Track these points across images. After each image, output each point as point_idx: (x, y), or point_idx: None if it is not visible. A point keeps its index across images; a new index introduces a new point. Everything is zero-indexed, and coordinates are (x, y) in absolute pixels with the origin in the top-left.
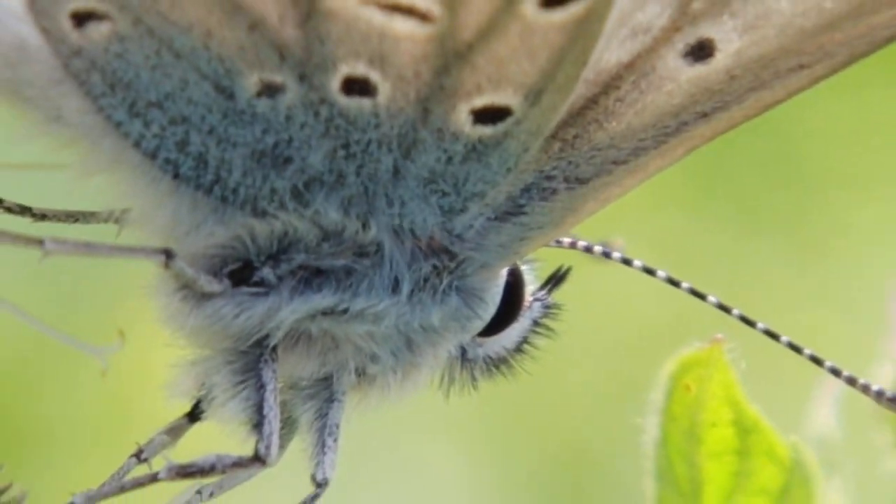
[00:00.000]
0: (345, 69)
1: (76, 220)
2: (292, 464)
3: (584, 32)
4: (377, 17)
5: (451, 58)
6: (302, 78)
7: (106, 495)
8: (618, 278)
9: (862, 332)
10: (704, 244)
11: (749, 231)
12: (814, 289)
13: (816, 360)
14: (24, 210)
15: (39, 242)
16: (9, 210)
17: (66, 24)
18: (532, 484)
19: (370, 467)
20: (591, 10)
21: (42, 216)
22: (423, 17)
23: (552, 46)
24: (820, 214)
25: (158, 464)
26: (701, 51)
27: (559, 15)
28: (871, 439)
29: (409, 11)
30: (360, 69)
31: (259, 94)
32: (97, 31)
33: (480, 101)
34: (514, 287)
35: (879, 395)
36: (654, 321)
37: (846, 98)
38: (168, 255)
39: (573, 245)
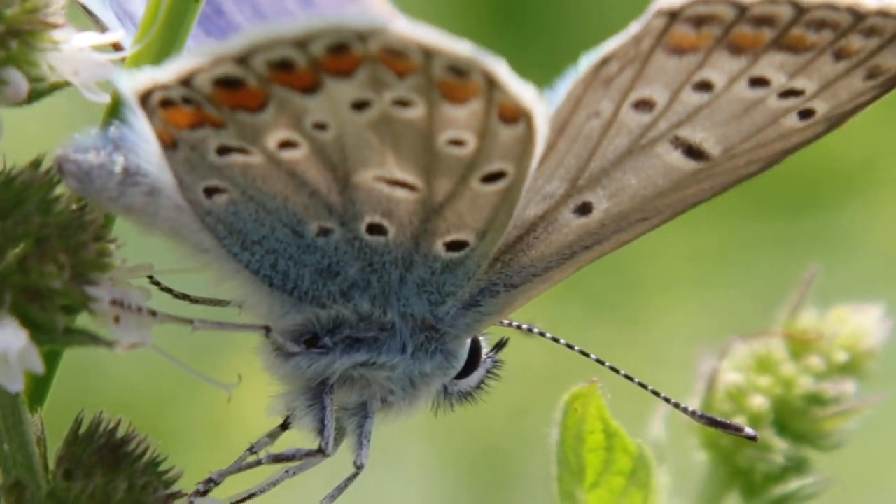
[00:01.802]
0: (368, 219)
1: (216, 304)
2: (341, 456)
3: (510, 196)
4: (385, 188)
5: (430, 212)
6: (343, 224)
7: (230, 473)
8: (535, 344)
9: (664, 376)
10: (569, 323)
11: (593, 314)
12: (632, 349)
13: (656, 393)
14: (184, 296)
15: (191, 322)
16: (175, 296)
17: (201, 196)
18: (471, 464)
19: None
20: (513, 183)
21: (195, 300)
22: (412, 188)
23: (491, 204)
24: (638, 301)
25: (262, 455)
26: (584, 209)
27: (494, 186)
28: (686, 441)
29: (404, 185)
30: (377, 219)
31: (318, 235)
32: (220, 199)
33: (450, 238)
34: (475, 349)
35: (693, 414)
36: (553, 366)
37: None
38: (267, 329)
39: (510, 324)
